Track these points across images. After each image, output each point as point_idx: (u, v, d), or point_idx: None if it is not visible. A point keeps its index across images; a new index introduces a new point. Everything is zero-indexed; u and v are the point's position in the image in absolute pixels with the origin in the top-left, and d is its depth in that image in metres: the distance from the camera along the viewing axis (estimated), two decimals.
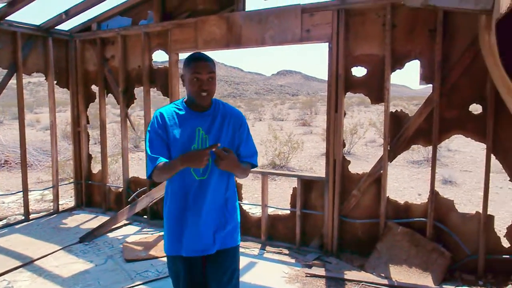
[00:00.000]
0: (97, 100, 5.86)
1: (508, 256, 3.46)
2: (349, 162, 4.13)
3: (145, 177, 5.40)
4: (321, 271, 3.69)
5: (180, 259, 2.05)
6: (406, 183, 8.19)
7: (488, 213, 3.54)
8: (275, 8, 4.25)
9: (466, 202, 6.58)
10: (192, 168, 1.93)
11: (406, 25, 3.70)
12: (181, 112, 2.02)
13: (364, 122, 17.69)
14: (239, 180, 5.11)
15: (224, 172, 2.03)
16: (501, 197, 6.82)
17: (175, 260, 2.07)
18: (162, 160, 1.94)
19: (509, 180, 3.47)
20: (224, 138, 2.02)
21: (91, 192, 6.00)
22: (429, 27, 3.60)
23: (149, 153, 1.97)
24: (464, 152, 11.44)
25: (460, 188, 7.65)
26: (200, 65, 1.92)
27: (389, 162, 3.91)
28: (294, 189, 4.35)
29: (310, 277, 3.62)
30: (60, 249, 4.26)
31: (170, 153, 1.99)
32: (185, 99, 2.06)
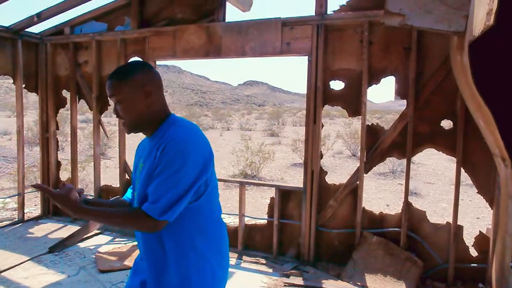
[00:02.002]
0: (67, 105, 5.70)
1: (476, 265, 3.64)
2: (326, 173, 4.23)
3: (117, 185, 5.30)
4: (299, 281, 3.73)
5: None
6: (374, 194, 8.45)
7: (458, 224, 3.72)
8: (256, 20, 4.32)
9: (431, 213, 6.87)
10: None
11: (382, 42, 3.87)
12: (143, 141, 1.71)
13: (331, 134, 18.09)
14: None
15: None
16: (463, 209, 7.16)
17: None
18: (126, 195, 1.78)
19: (477, 193, 3.67)
20: (144, 170, 1.52)
21: None
22: (404, 45, 3.78)
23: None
24: (426, 165, 11.95)
25: (425, 199, 7.98)
26: (107, 86, 1.54)
27: (365, 174, 4.04)
28: (272, 199, 4.39)
29: (289, 287, 3.65)
30: (29, 259, 4.07)
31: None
32: None
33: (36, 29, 5.54)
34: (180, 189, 1.39)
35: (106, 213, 1.45)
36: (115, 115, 1.54)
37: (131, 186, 1.75)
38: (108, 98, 1.50)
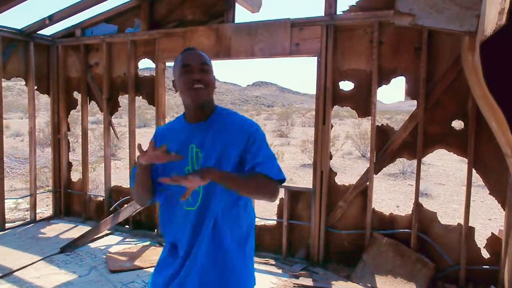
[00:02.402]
0: (78, 107, 5.77)
1: (488, 267, 3.60)
2: (335, 173, 4.22)
3: (127, 186, 5.34)
4: (308, 282, 3.73)
5: None
6: (384, 195, 8.40)
7: (469, 225, 3.68)
8: (265, 21, 4.33)
9: (442, 214, 6.80)
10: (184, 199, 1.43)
11: (392, 43, 3.84)
12: (176, 127, 1.68)
13: (340, 135, 18.01)
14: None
15: (231, 199, 1.57)
16: (474, 210, 7.07)
17: None
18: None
19: (489, 194, 3.63)
20: (216, 153, 1.54)
21: (70, 201, 5.85)
22: (415, 45, 3.76)
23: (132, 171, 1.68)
24: (437, 166, 11.83)
25: (436, 200, 7.91)
26: (190, 54, 1.57)
27: (374, 175, 4.02)
28: (281, 199, 4.39)
29: (298, 287, 3.65)
30: (41, 259, 4.12)
31: (158, 173, 1.62)
32: (185, 113, 1.69)
33: (47, 31, 5.64)
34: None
35: (250, 178, 1.51)
36: (197, 81, 1.53)
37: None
38: (186, 68, 1.54)
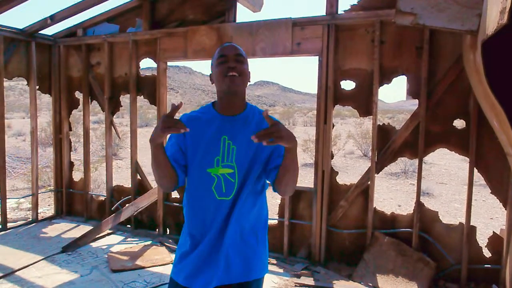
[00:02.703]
0: (80, 106, 5.78)
1: (489, 266, 3.59)
2: (337, 173, 4.22)
3: (129, 186, 5.35)
4: (310, 281, 3.73)
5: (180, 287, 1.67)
6: (386, 194, 8.39)
7: (470, 224, 3.67)
8: (266, 20, 4.33)
9: (444, 214, 6.80)
10: (213, 185, 1.59)
11: (394, 42, 3.84)
12: (205, 116, 1.69)
13: (342, 134, 18.00)
14: None
15: (255, 192, 1.66)
16: (476, 209, 7.07)
17: (175, 286, 1.69)
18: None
19: (490, 193, 3.62)
20: (253, 148, 1.61)
21: (71, 201, 5.86)
22: (416, 45, 3.75)
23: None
24: (439, 165, 11.81)
25: (437, 199, 7.90)
26: (226, 47, 1.65)
27: (376, 174, 4.01)
28: (282, 199, 4.39)
29: (300, 287, 3.65)
30: (42, 259, 4.13)
31: (187, 164, 1.67)
32: (214, 102, 1.74)
33: (49, 31, 5.66)
34: None
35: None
36: (232, 68, 1.59)
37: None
38: (222, 58, 1.62)
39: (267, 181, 1.74)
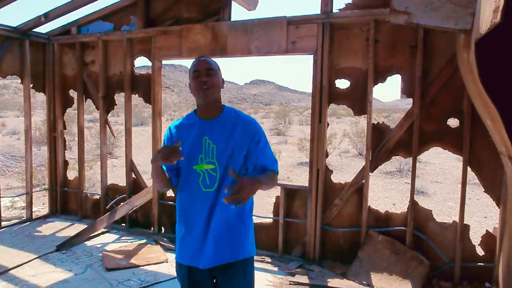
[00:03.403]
0: (74, 105, 5.75)
1: (482, 264, 3.62)
2: (331, 171, 4.23)
3: (124, 184, 5.34)
4: (304, 279, 3.74)
5: (184, 267, 1.97)
6: (381, 193, 8.42)
7: (464, 222, 3.69)
8: (261, 19, 4.32)
9: (438, 212, 6.83)
10: (199, 179, 1.88)
11: (388, 41, 3.85)
12: (189, 122, 1.99)
13: (338, 133, 18.03)
14: None
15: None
16: (470, 208, 7.11)
17: (180, 267, 2.01)
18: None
19: (484, 191, 3.64)
20: (230, 146, 1.89)
21: (66, 199, 5.83)
22: (410, 44, 3.76)
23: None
24: (434, 164, 11.87)
25: (432, 198, 7.94)
26: (199, 62, 1.93)
27: (370, 173, 4.02)
28: (277, 198, 4.39)
29: (294, 285, 3.66)
30: (37, 257, 4.11)
31: (179, 164, 1.94)
32: (195, 109, 2.02)
33: (43, 29, 5.58)
34: None
35: (269, 178, 1.95)
36: (204, 82, 1.87)
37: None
38: (196, 72, 1.91)
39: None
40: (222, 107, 1.99)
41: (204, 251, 1.89)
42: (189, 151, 1.89)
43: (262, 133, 2.00)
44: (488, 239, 3.65)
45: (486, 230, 3.71)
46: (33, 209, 5.79)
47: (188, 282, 1.96)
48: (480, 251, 3.69)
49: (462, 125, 3.63)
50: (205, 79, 1.87)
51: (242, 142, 1.91)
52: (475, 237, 4.13)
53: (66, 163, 5.90)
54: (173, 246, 4.53)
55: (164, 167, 1.94)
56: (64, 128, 5.90)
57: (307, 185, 4.20)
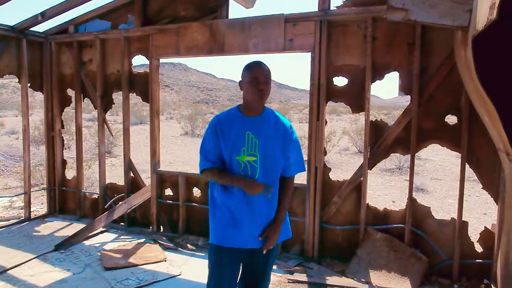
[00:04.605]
0: (72, 104, 5.74)
1: (481, 261, 3.62)
2: (329, 169, 4.22)
3: (122, 183, 5.33)
4: (303, 277, 3.73)
5: (227, 250, 2.19)
6: (380, 190, 8.40)
7: (462, 219, 3.69)
8: (259, 17, 4.31)
9: (438, 209, 6.82)
10: (241, 168, 2.15)
11: (386, 38, 3.84)
12: (233, 117, 2.20)
13: (337, 131, 18.01)
14: None
15: (275, 176, 2.23)
16: (469, 205, 7.11)
17: (220, 250, 2.21)
18: (212, 165, 2.21)
19: (482, 188, 3.64)
20: (273, 143, 2.16)
21: (64, 199, 5.83)
22: (408, 41, 3.75)
23: (201, 152, 2.26)
24: (434, 161, 11.87)
25: (432, 195, 7.93)
26: (259, 70, 2.13)
27: (368, 170, 4.02)
28: None
29: (293, 283, 3.66)
30: (35, 257, 4.11)
31: (222, 154, 2.18)
32: (239, 105, 2.24)
33: (40, 28, 5.56)
34: None
35: (286, 202, 2.33)
36: (261, 90, 2.11)
37: (212, 155, 2.23)
38: (255, 79, 2.13)
39: None
40: (264, 107, 2.23)
41: (245, 232, 2.16)
42: (233, 143, 2.13)
43: (295, 133, 2.29)
44: (486, 236, 3.65)
45: (485, 227, 3.70)
46: (32, 209, 5.78)
47: (229, 262, 2.21)
48: (478, 248, 3.69)
49: (460, 122, 3.63)
50: (262, 87, 2.11)
51: (280, 140, 2.20)
52: (475, 234, 4.12)
53: (64, 163, 5.89)
54: (172, 245, 4.53)
55: (216, 158, 2.21)
56: (62, 127, 5.89)
57: (305, 183, 4.19)
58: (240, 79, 2.21)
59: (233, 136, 2.14)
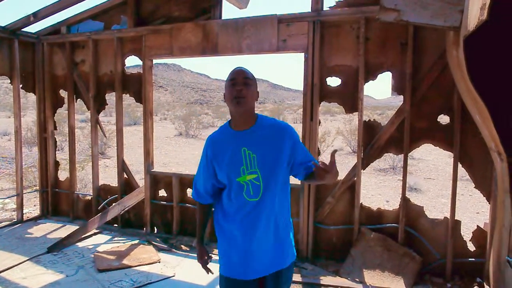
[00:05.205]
0: (65, 105, 5.70)
1: (474, 259, 3.64)
2: None
3: (116, 185, 5.30)
4: (297, 277, 3.73)
5: (235, 282, 1.95)
6: (374, 190, 8.44)
7: (455, 218, 3.71)
8: (252, 17, 4.31)
9: (431, 209, 6.87)
10: (243, 191, 1.89)
11: (378, 38, 3.85)
12: (225, 135, 1.97)
13: (331, 131, 18.06)
14: None
15: (280, 190, 1.94)
16: (463, 204, 7.15)
17: (228, 282, 1.98)
18: (197, 198, 2.10)
19: (474, 187, 3.67)
20: (271, 153, 1.89)
21: (57, 200, 5.79)
22: (401, 41, 3.77)
23: (194, 181, 2.12)
24: (427, 161, 11.93)
25: (425, 195, 7.97)
26: (236, 71, 1.92)
27: (362, 170, 4.03)
28: None
29: None
30: (27, 260, 4.08)
31: (218, 180, 1.97)
32: (230, 121, 2.00)
33: (32, 28, 5.53)
34: None
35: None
36: (238, 93, 1.85)
37: (199, 185, 2.07)
38: (232, 81, 1.88)
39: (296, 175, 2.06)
40: (256, 116, 1.97)
41: (252, 262, 1.92)
42: (229, 164, 1.89)
43: (296, 133, 2.02)
44: (479, 235, 3.68)
45: (477, 226, 3.73)
46: (24, 211, 5.73)
47: None
48: (471, 247, 3.71)
49: (452, 122, 3.65)
50: (241, 88, 1.85)
51: (281, 147, 1.91)
52: (468, 233, 4.14)
53: (57, 164, 5.85)
54: (166, 246, 4.51)
55: (203, 190, 2.05)
56: (55, 128, 5.85)
57: (299, 183, 4.20)
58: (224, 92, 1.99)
59: (228, 157, 1.90)
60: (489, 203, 3.58)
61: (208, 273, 2.12)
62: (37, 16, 5.15)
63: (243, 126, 1.92)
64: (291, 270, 2.07)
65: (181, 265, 4.03)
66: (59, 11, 5.08)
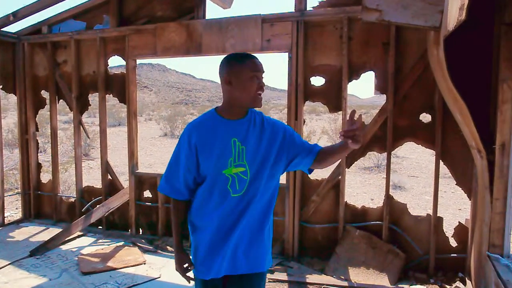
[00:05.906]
0: (47, 106, 5.61)
1: (456, 255, 3.71)
2: None
3: (100, 186, 5.24)
4: (283, 276, 3.75)
5: (208, 283, 1.84)
6: (359, 188, 8.52)
7: (438, 215, 3.78)
8: (236, 17, 4.31)
9: (415, 206, 6.97)
10: (228, 184, 1.74)
11: (361, 38, 3.90)
12: (212, 122, 1.80)
13: (317, 130, 18.17)
14: None
15: (266, 189, 1.81)
16: (445, 201, 7.28)
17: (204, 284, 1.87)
18: (176, 196, 1.86)
19: (456, 184, 3.74)
20: (262, 147, 1.78)
21: (40, 203, 5.69)
22: (383, 41, 3.82)
23: (166, 173, 1.87)
24: (410, 159, 12.11)
25: (409, 192, 8.09)
26: (258, 63, 1.75)
27: (346, 169, 4.07)
28: None
29: (273, 282, 3.67)
30: (9, 264, 4.00)
31: (199, 173, 1.80)
32: (217, 108, 1.84)
33: (12, 28, 5.44)
34: None
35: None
36: (262, 89, 1.76)
37: (176, 178, 1.85)
38: (257, 73, 1.73)
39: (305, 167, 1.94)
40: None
41: (225, 258, 1.80)
42: (218, 154, 1.73)
43: (288, 126, 1.92)
44: (460, 231, 3.75)
45: (459, 222, 3.81)
46: (5, 214, 5.62)
47: None
48: (453, 243, 3.78)
49: (434, 120, 3.71)
50: (263, 84, 1.76)
51: (273, 141, 1.81)
52: (450, 229, 4.22)
53: (39, 166, 5.75)
54: (151, 247, 4.48)
55: (182, 184, 1.83)
56: (37, 130, 5.75)
57: (285, 182, 4.21)
58: (226, 75, 1.75)
59: (217, 145, 1.73)
60: (470, 200, 3.65)
61: (189, 282, 1.91)
62: (16, 15, 5.05)
63: (235, 116, 1.79)
64: (260, 280, 1.91)
65: (166, 267, 4.01)
66: (40, 11, 4.98)
